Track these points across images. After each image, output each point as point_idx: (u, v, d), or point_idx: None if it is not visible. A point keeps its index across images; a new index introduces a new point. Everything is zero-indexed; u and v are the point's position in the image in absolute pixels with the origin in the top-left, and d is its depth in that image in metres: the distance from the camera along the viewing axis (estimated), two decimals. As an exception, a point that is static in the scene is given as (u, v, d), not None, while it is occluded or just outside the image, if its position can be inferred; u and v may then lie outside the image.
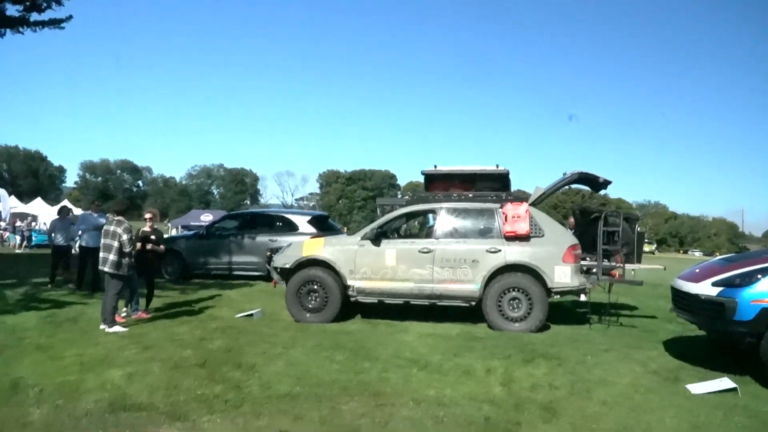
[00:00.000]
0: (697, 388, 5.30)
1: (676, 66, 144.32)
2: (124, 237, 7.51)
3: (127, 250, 7.55)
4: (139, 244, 8.33)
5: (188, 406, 4.55)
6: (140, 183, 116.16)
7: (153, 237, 8.71)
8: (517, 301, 8.05)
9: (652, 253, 72.27)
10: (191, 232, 17.49)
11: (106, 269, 7.57)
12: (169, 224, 46.76)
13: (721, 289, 5.67)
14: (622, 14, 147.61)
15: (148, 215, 8.91)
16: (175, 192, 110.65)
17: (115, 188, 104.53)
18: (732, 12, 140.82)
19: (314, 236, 10.28)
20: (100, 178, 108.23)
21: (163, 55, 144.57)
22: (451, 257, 8.23)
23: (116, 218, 7.79)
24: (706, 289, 5.81)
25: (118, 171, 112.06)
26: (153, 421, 4.30)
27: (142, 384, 5.11)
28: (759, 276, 5.49)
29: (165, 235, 15.35)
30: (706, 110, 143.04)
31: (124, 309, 8.38)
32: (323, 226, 13.86)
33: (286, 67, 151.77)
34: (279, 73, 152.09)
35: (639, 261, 9.30)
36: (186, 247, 13.86)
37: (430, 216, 8.97)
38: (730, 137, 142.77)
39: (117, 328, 7.40)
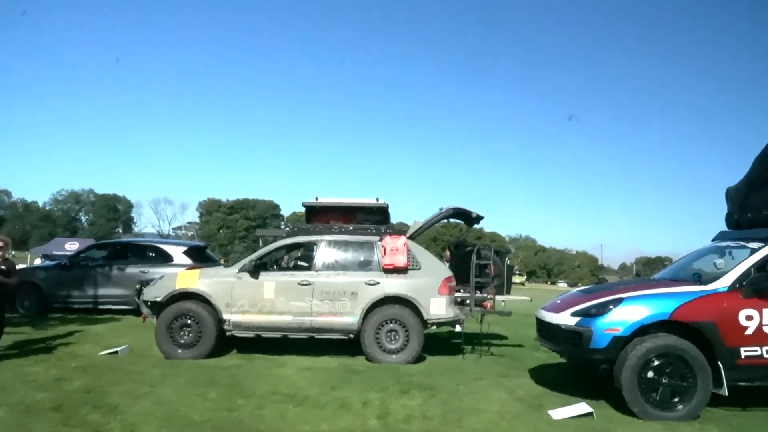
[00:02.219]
0: (558, 413, 5.63)
1: (540, 106, 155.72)
2: None
3: None
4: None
5: (37, 455, 4.15)
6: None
7: (3, 267, 7.95)
8: (394, 333, 8.17)
9: (523, 284, 76.46)
10: (53, 263, 16.19)
11: None
12: (29, 253, 43.02)
13: (579, 319, 6.11)
14: (482, 43, 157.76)
15: (-2, 243, 8.13)
16: (38, 218, 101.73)
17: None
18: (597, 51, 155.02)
19: (189, 268, 9.88)
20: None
21: (24, 68, 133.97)
22: (331, 290, 8.22)
23: None
24: (565, 319, 6.24)
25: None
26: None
27: (-17, 432, 4.61)
28: (611, 306, 5.98)
29: (22, 266, 14.12)
30: (570, 152, 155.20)
31: (-32, 348, 7.54)
32: (200, 256, 13.35)
33: (163, 88, 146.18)
34: (156, 95, 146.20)
35: (509, 292, 9.81)
36: (45, 278, 12.76)
37: (311, 248, 8.94)
38: (591, 178, 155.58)
39: (-43, 370, 6.64)
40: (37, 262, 33.23)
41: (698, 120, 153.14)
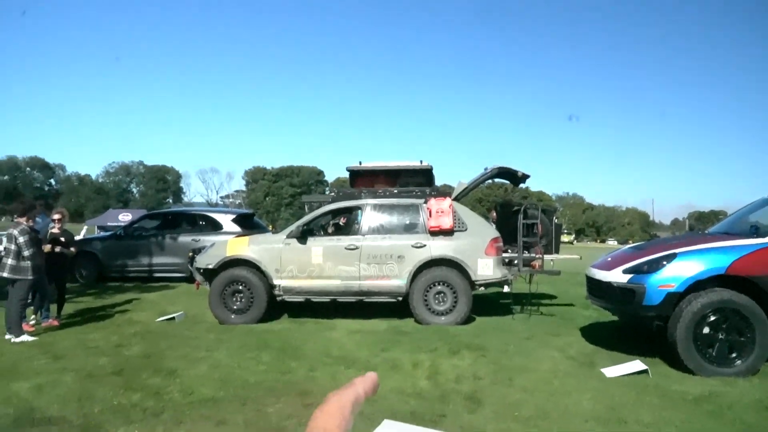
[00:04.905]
0: (611, 371, 5.57)
1: (588, 63, 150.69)
2: (21, 239, 7.12)
3: (26, 253, 7.15)
4: (47, 247, 7.90)
5: (103, 417, 4.35)
6: (52, 181, 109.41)
7: (62, 239, 8.27)
8: (442, 294, 8.19)
9: (571, 243, 75.37)
10: (108, 233, 16.75)
11: (4, 274, 7.16)
12: (85, 225, 44.51)
13: (630, 276, 5.98)
14: (529, 10, 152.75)
15: (56, 216, 8.46)
16: (91, 190, 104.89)
17: (24, 187, 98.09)
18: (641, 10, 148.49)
19: (239, 235, 10.08)
20: (6, 177, 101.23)
21: (74, 46, 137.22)
22: (378, 253, 8.27)
23: (15, 220, 7.38)
24: (617, 276, 6.11)
25: (28, 168, 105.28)
26: (65, 434, 4.09)
27: (52, 396, 4.85)
28: (665, 262, 5.83)
29: (78, 236, 14.65)
30: (618, 107, 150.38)
31: (33, 316, 7.93)
32: (248, 224, 13.60)
33: (207, 60, 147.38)
34: (200, 67, 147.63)
35: (557, 251, 9.68)
36: (102, 248, 13.26)
37: (357, 212, 8.98)
38: (641, 131, 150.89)
39: (24, 337, 7.01)
40: (96, 232, 34.09)
41: (752, 68, 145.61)
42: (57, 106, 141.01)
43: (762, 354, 5.48)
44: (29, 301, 7.60)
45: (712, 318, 5.55)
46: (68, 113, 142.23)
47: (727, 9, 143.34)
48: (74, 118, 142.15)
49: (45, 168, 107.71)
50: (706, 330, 5.55)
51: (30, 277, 7.25)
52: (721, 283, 5.66)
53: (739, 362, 5.51)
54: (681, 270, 5.73)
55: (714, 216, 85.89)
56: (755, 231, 6.25)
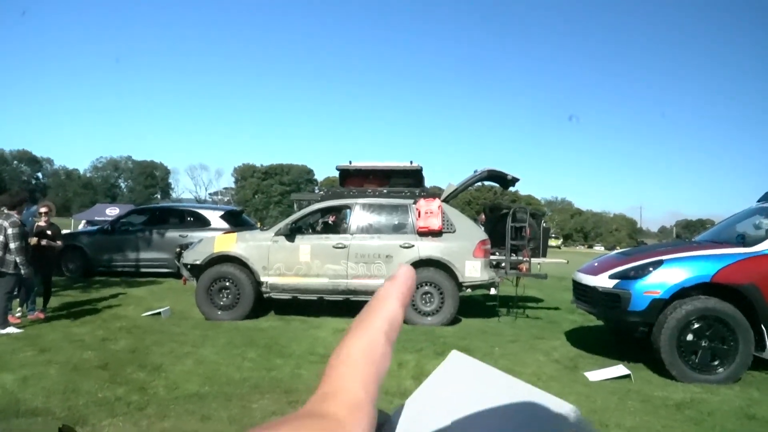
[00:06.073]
0: (595, 375, 5.61)
1: (579, 69, 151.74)
2: (10, 231, 7.04)
3: (13, 246, 7.08)
4: (34, 240, 7.83)
5: (88, 410, 4.33)
6: (40, 175, 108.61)
7: (49, 232, 8.21)
8: (429, 295, 8.21)
9: (559, 247, 75.59)
10: (95, 227, 16.63)
11: None
12: (73, 219, 44.14)
13: (617, 281, 6.02)
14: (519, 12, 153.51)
15: (43, 209, 8.39)
16: (79, 185, 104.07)
17: (11, 181, 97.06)
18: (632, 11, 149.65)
19: (226, 232, 10.04)
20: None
21: (63, 40, 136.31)
22: (366, 252, 8.28)
23: (5, 212, 7.29)
24: (603, 281, 6.16)
25: (15, 162, 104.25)
26: (48, 426, 4.06)
27: (37, 388, 4.81)
28: (651, 269, 5.88)
29: (67, 231, 14.57)
30: (609, 114, 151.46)
31: (19, 309, 7.86)
32: (237, 221, 13.56)
33: (199, 57, 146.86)
34: (191, 63, 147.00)
35: (544, 255, 9.73)
36: (89, 242, 13.17)
37: (346, 211, 8.97)
38: (631, 138, 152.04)
39: (10, 329, 6.94)
40: (81, 226, 33.86)
41: (742, 77, 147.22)
42: (46, 99, 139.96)
43: (744, 362, 5.55)
44: (15, 293, 7.54)
45: (696, 325, 5.60)
46: (57, 107, 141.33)
47: (715, 25, 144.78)
48: (63, 113, 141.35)
49: (32, 162, 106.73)
50: (689, 337, 5.61)
51: (16, 271, 7.18)
52: (706, 290, 5.72)
53: (721, 370, 5.57)
54: (667, 277, 5.78)
55: (701, 224, 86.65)
56: (741, 240, 6.32)
